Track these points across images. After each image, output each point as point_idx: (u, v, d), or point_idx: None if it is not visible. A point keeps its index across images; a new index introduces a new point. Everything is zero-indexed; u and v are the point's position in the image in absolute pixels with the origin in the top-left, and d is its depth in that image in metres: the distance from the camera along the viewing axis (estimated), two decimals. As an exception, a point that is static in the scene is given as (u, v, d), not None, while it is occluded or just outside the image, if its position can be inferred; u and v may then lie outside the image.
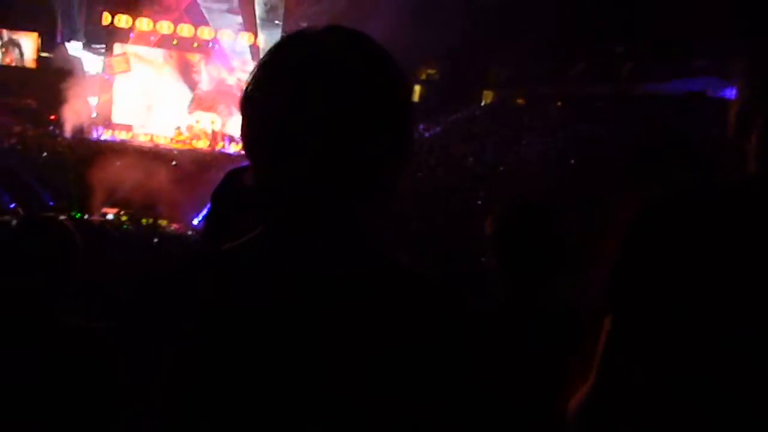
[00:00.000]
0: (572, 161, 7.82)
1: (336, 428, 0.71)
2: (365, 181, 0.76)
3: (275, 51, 0.79)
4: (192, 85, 13.03)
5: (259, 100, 0.78)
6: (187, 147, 12.08)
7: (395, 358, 0.71)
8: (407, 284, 0.76)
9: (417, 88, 11.62)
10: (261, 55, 0.85)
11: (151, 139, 12.59)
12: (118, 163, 10.58)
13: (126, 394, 0.80)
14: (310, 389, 0.70)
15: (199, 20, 12.64)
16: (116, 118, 12.83)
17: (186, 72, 13.12)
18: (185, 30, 12.68)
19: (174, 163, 11.28)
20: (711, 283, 0.85)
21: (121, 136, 12.52)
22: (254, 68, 0.80)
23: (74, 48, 12.58)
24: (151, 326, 0.74)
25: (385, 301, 0.73)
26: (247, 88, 0.80)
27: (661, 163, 5.99)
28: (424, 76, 11.62)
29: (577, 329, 1.56)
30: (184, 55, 13.07)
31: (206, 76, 13.04)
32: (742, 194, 0.91)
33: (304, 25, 0.94)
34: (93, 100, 12.55)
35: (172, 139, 12.53)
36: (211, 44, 12.90)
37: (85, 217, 9.15)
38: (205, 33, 12.82)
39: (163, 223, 9.54)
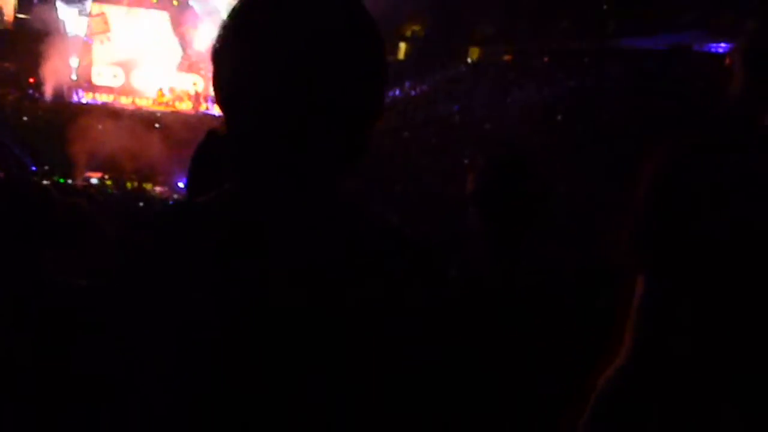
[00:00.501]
0: (558, 117, 7.79)
1: (308, 390, 0.71)
2: (342, 139, 0.75)
3: (247, 3, 0.77)
4: (184, 44, 12.77)
5: (232, 54, 0.76)
6: (170, 109, 11.92)
7: (365, 319, 0.71)
8: (383, 245, 0.76)
9: (402, 46, 11.47)
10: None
11: (133, 102, 12.40)
12: (100, 127, 10.43)
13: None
14: (277, 347, 0.70)
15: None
16: (97, 80, 12.61)
17: (177, 29, 12.85)
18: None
19: (157, 125, 11.14)
20: (751, 227, 0.82)
21: (102, 98, 12.32)
22: (227, 18, 0.78)
23: (53, 8, 12.27)
24: (125, 283, 0.73)
25: (359, 262, 0.73)
26: (219, 39, 0.78)
27: (647, 117, 5.98)
28: (409, 33, 11.46)
29: (554, 299, 1.58)
30: (175, 12, 12.78)
31: (199, 34, 12.79)
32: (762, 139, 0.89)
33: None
34: (74, 62, 12.30)
35: (154, 101, 12.35)
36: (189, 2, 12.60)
37: (69, 181, 9.06)
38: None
39: (149, 186, 9.48)
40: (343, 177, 0.77)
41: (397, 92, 10.08)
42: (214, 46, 0.76)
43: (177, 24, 12.56)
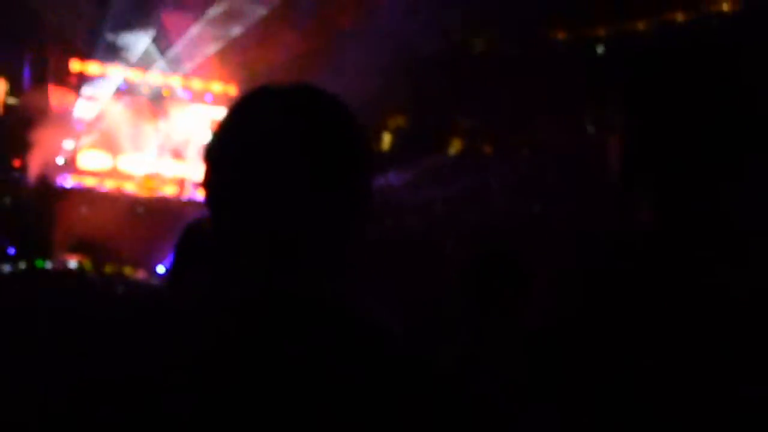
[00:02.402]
0: (537, 210, 7.93)
1: None
2: (330, 236, 0.76)
3: (244, 104, 0.80)
4: (168, 130, 12.99)
5: (225, 151, 0.79)
6: (154, 194, 11.98)
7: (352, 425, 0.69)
8: (372, 353, 0.74)
9: (387, 137, 11.76)
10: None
11: (118, 187, 12.46)
12: (82, 210, 10.43)
13: None
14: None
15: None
16: (83, 164, 12.69)
17: (158, 118, 13.09)
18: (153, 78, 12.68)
19: (140, 210, 11.16)
20: None
21: (88, 182, 12.37)
22: (223, 118, 0.82)
23: (44, 93, 12.48)
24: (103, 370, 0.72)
25: (346, 366, 0.72)
26: (215, 137, 0.81)
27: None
28: (393, 126, 11.79)
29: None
30: (156, 102, 13.05)
31: (178, 122, 13.04)
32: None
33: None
34: (69, 145, 12.36)
35: (139, 186, 12.42)
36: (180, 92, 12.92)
37: (47, 265, 8.95)
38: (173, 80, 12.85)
39: (128, 270, 9.39)
40: (335, 279, 0.77)
41: (381, 182, 10.25)
42: (208, 145, 0.79)
43: (160, 111, 12.84)
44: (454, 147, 11.07)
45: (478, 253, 1.89)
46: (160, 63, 12.47)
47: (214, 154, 0.80)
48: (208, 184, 0.79)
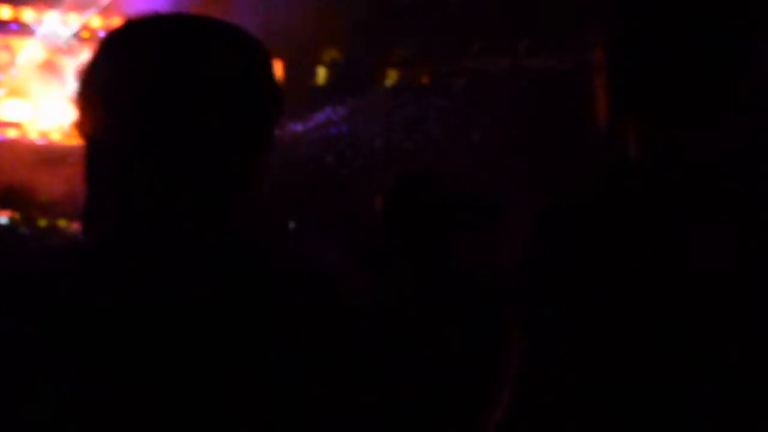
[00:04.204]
0: (476, 138, 7.98)
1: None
2: (238, 179, 0.74)
3: (125, 37, 0.74)
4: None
5: (121, 90, 0.74)
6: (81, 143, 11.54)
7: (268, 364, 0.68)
8: (281, 285, 0.73)
9: (322, 71, 11.52)
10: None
11: (45, 136, 11.92)
12: (8, 164, 9.97)
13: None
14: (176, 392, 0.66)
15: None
16: (4, 115, 12.06)
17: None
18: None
19: (71, 160, 10.75)
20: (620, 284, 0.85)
21: (10, 134, 11.79)
22: (97, 53, 0.76)
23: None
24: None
25: (262, 307, 0.70)
26: (89, 75, 0.75)
27: (555, 141, 6.20)
28: (327, 59, 11.55)
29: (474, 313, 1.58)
30: (75, 45, 12.37)
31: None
32: (626, 190, 0.92)
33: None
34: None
35: (65, 135, 11.91)
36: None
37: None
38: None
39: (62, 223, 9.11)
40: (240, 209, 0.74)
41: (319, 117, 10.11)
42: (81, 87, 0.73)
43: (81, 54, 12.20)
44: (391, 78, 10.97)
45: (398, 178, 1.85)
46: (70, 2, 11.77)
47: (105, 93, 0.75)
48: (99, 126, 0.74)
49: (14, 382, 0.66)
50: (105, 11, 11.81)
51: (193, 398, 0.65)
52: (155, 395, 0.66)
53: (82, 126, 0.75)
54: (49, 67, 12.23)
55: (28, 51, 12.08)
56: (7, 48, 11.99)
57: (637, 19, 0.90)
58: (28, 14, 11.67)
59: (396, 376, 0.73)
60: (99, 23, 12.15)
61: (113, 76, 0.75)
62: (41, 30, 11.76)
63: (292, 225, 6.81)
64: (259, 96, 0.76)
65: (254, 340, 0.67)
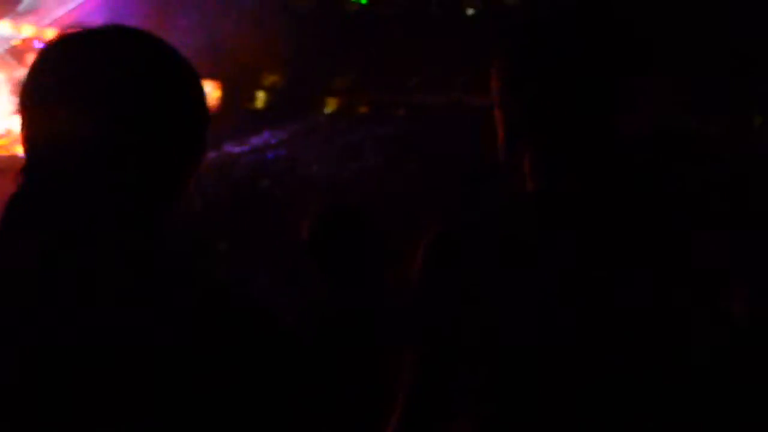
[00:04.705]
0: (412, 168, 8.11)
1: None
2: (154, 188, 0.75)
3: (55, 49, 0.76)
4: (17, 85, 11.90)
5: (39, 102, 0.75)
6: (6, 153, 11.07)
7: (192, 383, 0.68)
8: (209, 304, 0.73)
9: (262, 95, 11.49)
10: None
11: (-35, 145, 11.38)
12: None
13: None
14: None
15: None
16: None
17: (11, 71, 11.99)
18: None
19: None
20: (507, 301, 0.89)
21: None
22: (33, 65, 0.78)
23: None
24: None
25: (183, 322, 0.71)
26: (27, 87, 0.77)
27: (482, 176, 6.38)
28: (267, 83, 11.54)
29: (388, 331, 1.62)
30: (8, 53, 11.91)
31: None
32: (521, 212, 0.97)
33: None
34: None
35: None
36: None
37: None
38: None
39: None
40: (158, 222, 0.76)
41: (257, 140, 10.06)
42: (20, 96, 0.75)
43: (13, 64, 11.78)
44: (330, 106, 11.04)
45: (321, 210, 1.91)
46: (13, 11, 11.39)
47: (31, 101, 0.77)
48: (27, 138, 0.76)
49: None
50: (53, 23, 11.47)
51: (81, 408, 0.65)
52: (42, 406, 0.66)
53: (21, 134, 0.77)
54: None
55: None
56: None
57: (526, 61, 0.96)
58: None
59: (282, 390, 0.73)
60: (32, 33, 11.79)
61: (45, 84, 0.77)
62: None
63: (222, 245, 6.72)
64: (184, 113, 0.78)
65: (146, 344, 0.67)
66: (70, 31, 0.81)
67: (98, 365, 0.66)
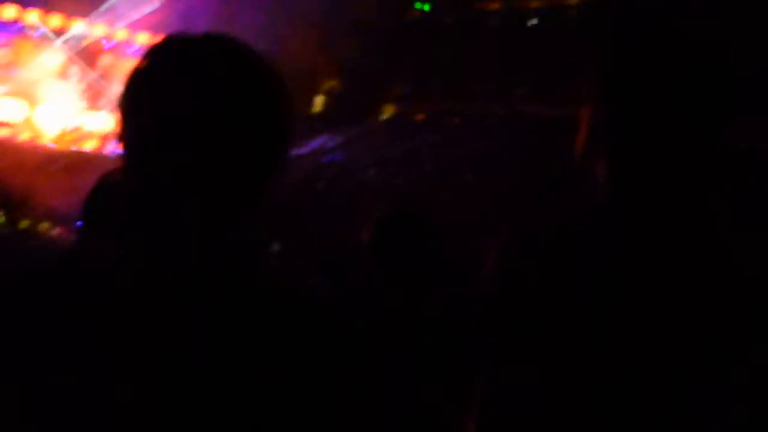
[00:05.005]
0: (469, 177, 8.06)
1: None
2: (240, 194, 0.76)
3: (158, 53, 0.78)
4: (86, 83, 12.35)
5: (139, 102, 0.77)
6: (73, 148, 11.47)
7: (261, 383, 0.69)
8: (277, 304, 0.75)
9: (320, 99, 11.64)
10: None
11: (34, 138, 11.85)
12: (-3, 162, 9.90)
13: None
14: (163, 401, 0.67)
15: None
16: (-2, 114, 11.97)
17: (81, 69, 12.42)
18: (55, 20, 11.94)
19: (60, 163, 10.68)
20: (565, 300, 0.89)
21: (2, 132, 11.72)
22: (135, 68, 0.79)
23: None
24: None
25: (254, 322, 0.72)
26: (125, 90, 0.79)
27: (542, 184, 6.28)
28: (327, 87, 11.67)
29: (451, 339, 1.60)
30: (79, 52, 12.38)
31: (101, 74, 12.43)
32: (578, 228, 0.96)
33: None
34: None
35: (56, 139, 11.85)
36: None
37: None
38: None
39: (45, 226, 9.01)
40: (233, 229, 0.77)
41: (314, 144, 10.18)
42: (121, 96, 0.77)
43: (83, 62, 12.21)
44: (387, 112, 11.10)
45: (382, 214, 1.90)
46: (86, 12, 11.84)
47: (132, 104, 0.78)
48: (124, 135, 0.78)
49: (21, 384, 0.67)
50: (132, 24, 11.88)
51: (183, 405, 0.66)
52: (141, 397, 0.67)
53: (120, 132, 0.78)
54: (62, 73, 12.20)
55: (47, 55, 12.04)
56: (11, 47, 11.98)
57: (618, 82, 0.96)
58: (55, 20, 11.68)
59: (366, 399, 0.74)
60: (103, 32, 12.21)
61: (148, 88, 0.78)
62: (65, 36, 11.75)
63: (276, 247, 6.79)
64: (277, 123, 0.80)
65: (240, 352, 0.68)
66: (172, 35, 0.82)
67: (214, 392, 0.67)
